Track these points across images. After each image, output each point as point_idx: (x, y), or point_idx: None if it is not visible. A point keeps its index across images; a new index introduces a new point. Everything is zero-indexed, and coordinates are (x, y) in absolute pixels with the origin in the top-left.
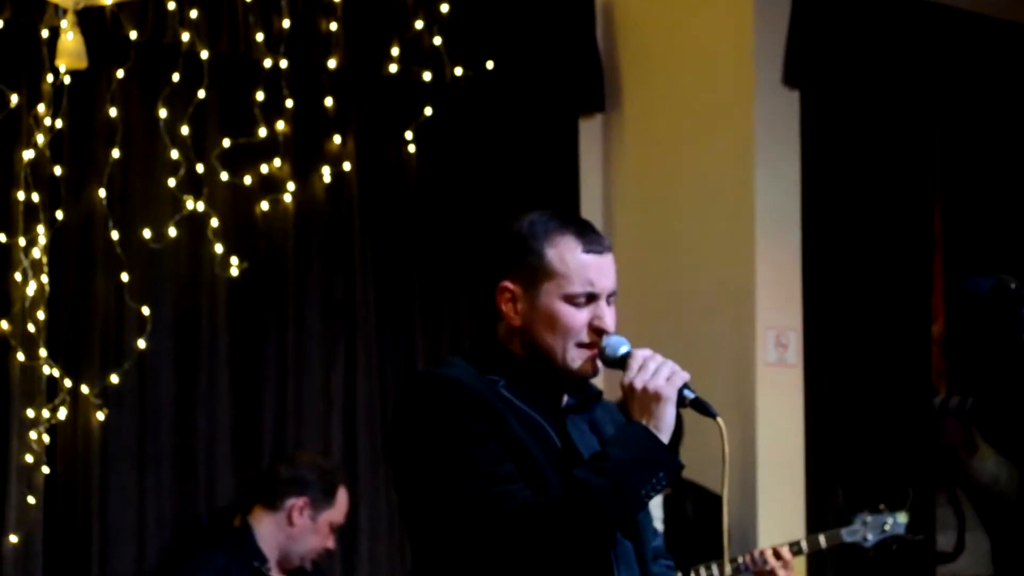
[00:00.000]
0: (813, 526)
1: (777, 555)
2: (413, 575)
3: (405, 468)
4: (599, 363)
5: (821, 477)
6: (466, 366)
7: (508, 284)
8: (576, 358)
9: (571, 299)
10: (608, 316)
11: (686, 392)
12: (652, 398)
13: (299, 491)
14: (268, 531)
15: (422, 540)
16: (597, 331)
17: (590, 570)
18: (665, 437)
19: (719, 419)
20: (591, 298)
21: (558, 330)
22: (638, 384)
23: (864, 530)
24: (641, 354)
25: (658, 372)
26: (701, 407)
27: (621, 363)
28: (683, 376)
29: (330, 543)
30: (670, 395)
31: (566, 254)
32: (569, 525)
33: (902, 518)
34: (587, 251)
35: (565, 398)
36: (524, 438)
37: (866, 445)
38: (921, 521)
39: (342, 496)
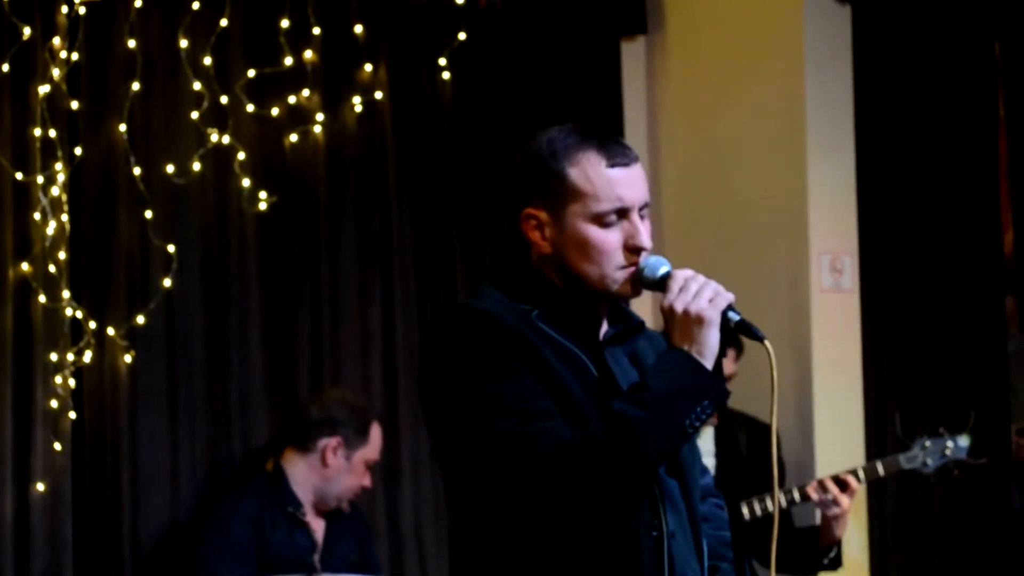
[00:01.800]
0: (872, 455)
1: (843, 484)
2: (449, 518)
3: (434, 407)
4: (639, 285)
5: (880, 405)
6: (498, 296)
7: (532, 210)
8: (616, 280)
9: (600, 219)
10: (643, 231)
11: (731, 314)
12: (694, 321)
13: (331, 431)
14: (302, 474)
15: (455, 483)
16: (634, 250)
17: (632, 511)
18: (709, 363)
19: (767, 342)
20: (622, 214)
21: (592, 255)
22: (679, 307)
23: (924, 455)
24: (682, 275)
25: (700, 293)
26: (747, 330)
27: (661, 285)
28: (727, 297)
29: (366, 481)
30: (713, 317)
31: (590, 171)
32: (607, 462)
33: (964, 441)
34: (612, 164)
35: (604, 328)
36: (560, 371)
37: (927, 369)
38: (993, 445)
39: (375, 432)
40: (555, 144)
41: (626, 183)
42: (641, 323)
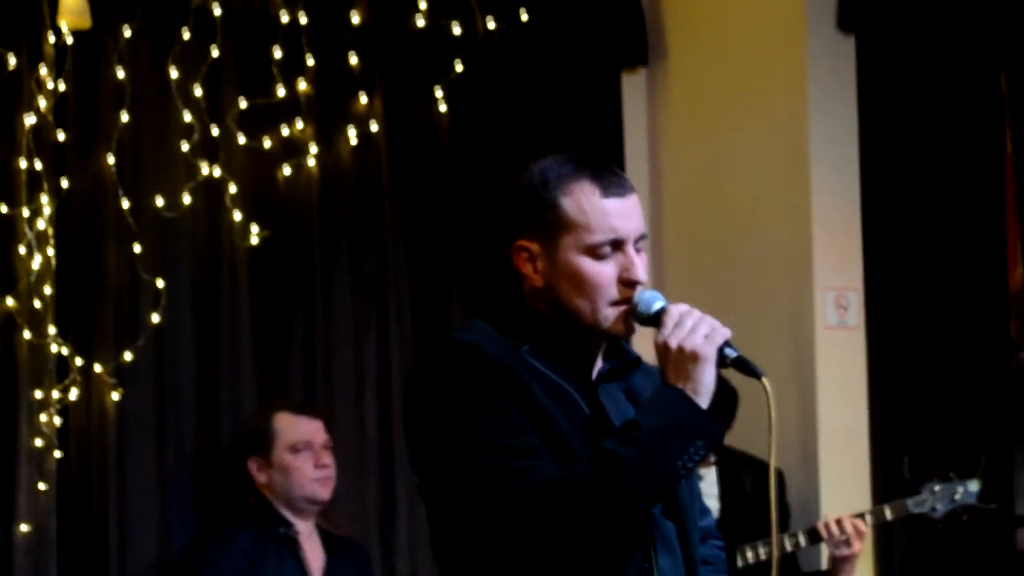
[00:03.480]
0: (878, 497)
1: (854, 526)
2: (435, 557)
3: (419, 442)
4: (633, 322)
5: (887, 445)
6: (487, 330)
7: (524, 243)
8: (608, 317)
9: (594, 251)
10: (638, 264)
11: (727, 351)
12: (689, 358)
13: (243, 455)
14: (271, 498)
15: (439, 521)
16: (628, 283)
17: (622, 553)
18: (704, 401)
19: (765, 380)
20: (616, 246)
21: (584, 289)
22: (673, 343)
23: (933, 500)
24: (677, 310)
25: (695, 329)
26: (744, 367)
27: (655, 320)
28: (724, 333)
29: (309, 466)
30: (709, 354)
31: (584, 201)
32: (596, 502)
33: (974, 486)
34: (607, 194)
35: (599, 364)
36: (548, 407)
37: (935, 410)
38: (997, 488)
39: (280, 421)
40: (548, 174)
41: (621, 214)
42: (637, 358)
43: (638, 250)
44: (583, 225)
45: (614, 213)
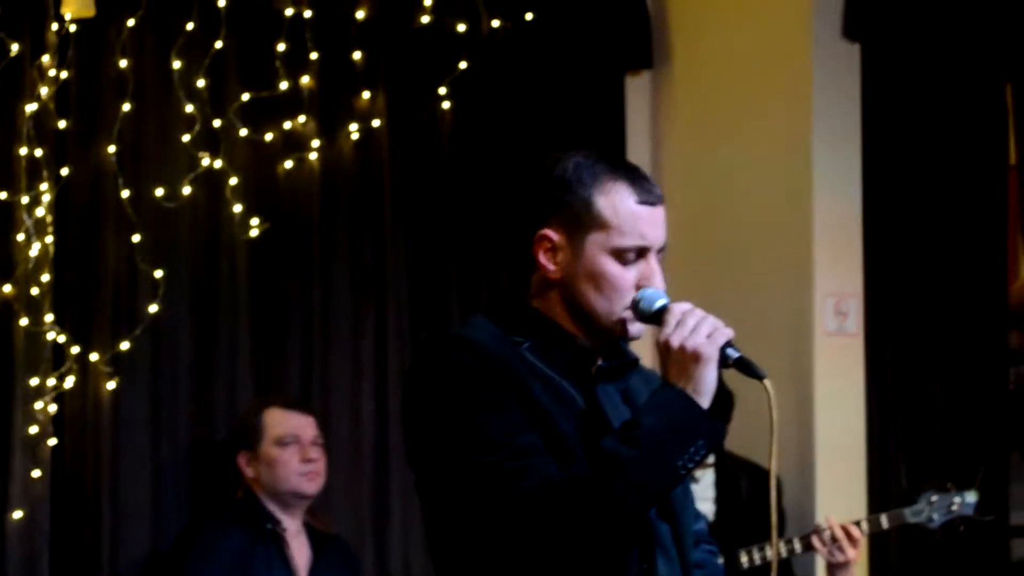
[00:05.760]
0: (875, 506)
1: (849, 535)
2: (431, 556)
3: (417, 438)
4: (635, 326)
5: (884, 454)
6: (488, 326)
7: (548, 232)
8: (624, 319)
9: (620, 253)
10: (658, 276)
11: (729, 351)
12: (690, 358)
13: (235, 449)
14: (259, 492)
15: (435, 518)
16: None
17: (621, 553)
18: (705, 402)
19: (766, 381)
20: (641, 253)
21: (604, 289)
22: (675, 342)
23: (930, 510)
24: (679, 308)
25: (697, 329)
26: (746, 368)
27: (657, 318)
28: (726, 333)
29: (295, 460)
30: (711, 354)
31: (618, 203)
32: (595, 502)
33: (971, 497)
34: (641, 201)
35: (598, 362)
36: (548, 406)
37: (933, 419)
38: (992, 499)
39: (270, 416)
40: (582, 169)
41: (651, 222)
42: (636, 359)
43: (658, 259)
44: (614, 226)
45: (645, 220)
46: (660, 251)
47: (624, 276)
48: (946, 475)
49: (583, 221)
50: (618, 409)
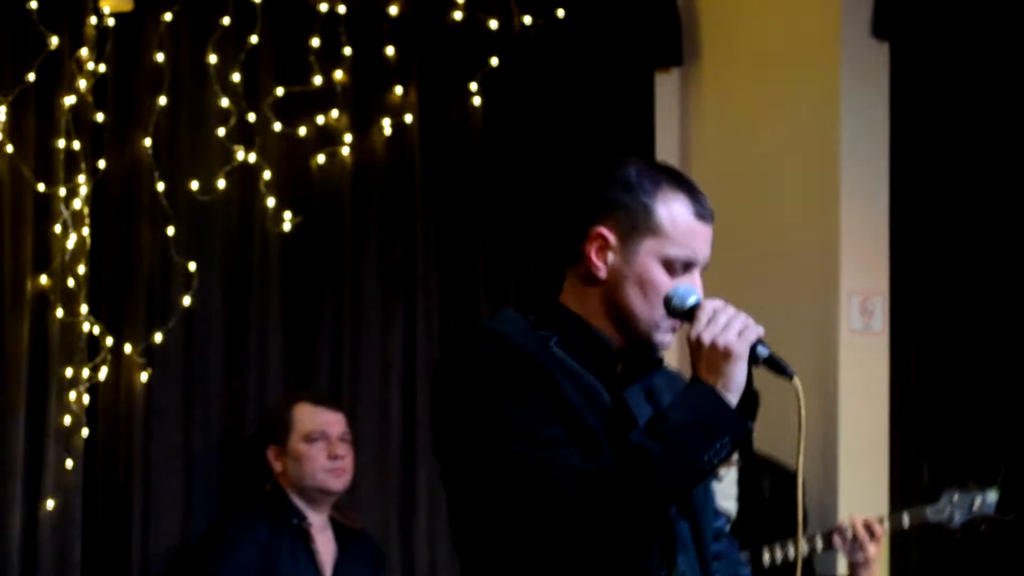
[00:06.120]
0: (897, 504)
1: (870, 531)
2: (454, 547)
3: (444, 428)
4: (666, 336)
5: (906, 452)
6: (517, 319)
7: (603, 230)
8: (661, 327)
9: (671, 263)
10: (700, 291)
11: (759, 349)
12: (721, 355)
13: (264, 443)
14: (286, 487)
15: (461, 508)
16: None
17: (644, 546)
18: (734, 398)
19: (796, 380)
20: (688, 266)
21: (649, 295)
22: (706, 338)
23: (951, 508)
24: (711, 305)
25: (729, 325)
26: (776, 366)
27: (689, 315)
28: (757, 331)
29: (322, 456)
30: (741, 351)
31: (677, 214)
32: (622, 494)
33: (992, 496)
34: (697, 217)
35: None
36: (575, 400)
37: (956, 418)
38: (1016, 499)
39: (299, 411)
40: (644, 176)
41: (703, 239)
42: (660, 360)
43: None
44: (670, 235)
45: (699, 235)
46: (703, 269)
47: (669, 285)
48: (968, 474)
49: (640, 225)
50: (641, 407)
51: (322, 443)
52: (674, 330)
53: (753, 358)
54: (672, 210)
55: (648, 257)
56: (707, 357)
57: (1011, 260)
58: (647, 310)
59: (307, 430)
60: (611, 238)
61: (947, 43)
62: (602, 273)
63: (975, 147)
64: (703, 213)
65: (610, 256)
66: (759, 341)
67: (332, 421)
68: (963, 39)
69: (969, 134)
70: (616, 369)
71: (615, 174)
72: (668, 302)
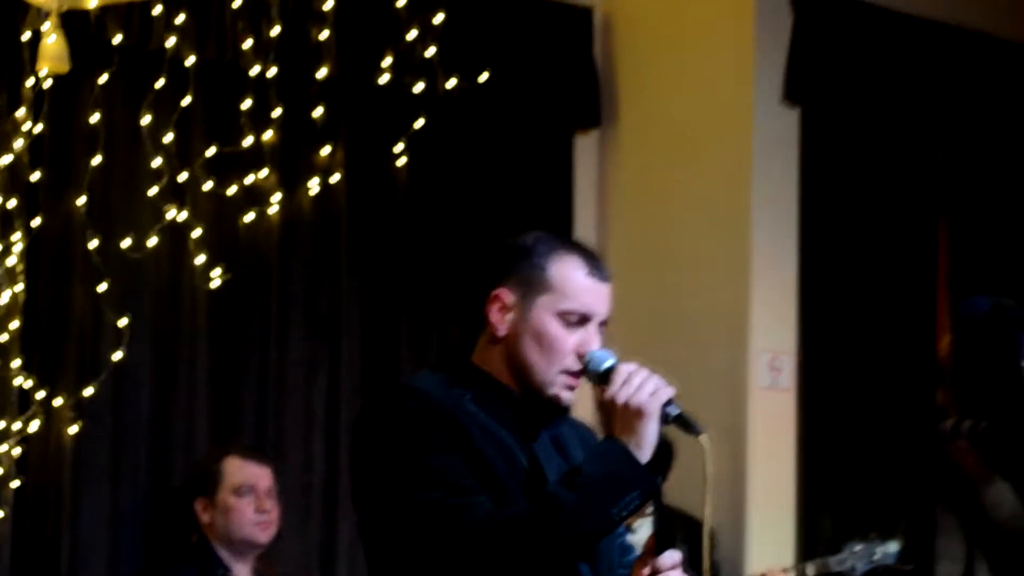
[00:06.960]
0: (803, 555)
1: None
2: None
3: (364, 477)
4: (566, 394)
5: (812, 505)
6: (432, 377)
7: (501, 292)
8: (555, 382)
9: (564, 316)
10: (595, 343)
11: (670, 408)
12: (634, 414)
13: (192, 495)
14: (212, 539)
15: (378, 557)
16: (582, 357)
17: None
18: (645, 455)
19: (703, 437)
20: (583, 320)
21: (544, 348)
22: (620, 398)
23: (853, 559)
24: (626, 368)
25: (642, 386)
26: (685, 424)
27: (605, 378)
28: (668, 391)
29: (249, 509)
30: (653, 410)
31: (568, 273)
32: (533, 540)
33: (893, 547)
34: (590, 275)
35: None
36: (488, 453)
37: (862, 472)
38: (919, 550)
39: (229, 464)
40: (541, 242)
41: (596, 295)
42: (566, 408)
43: (600, 332)
44: (562, 291)
45: (591, 291)
46: (602, 324)
47: (565, 338)
48: (871, 526)
49: (535, 285)
50: (551, 458)
51: (250, 496)
52: (571, 388)
53: (664, 417)
54: (565, 268)
55: (543, 311)
56: (621, 416)
57: (915, 320)
58: (543, 362)
59: (236, 483)
60: (509, 299)
61: (857, 107)
62: (502, 331)
63: (882, 209)
64: (596, 272)
65: (509, 316)
66: (670, 401)
67: (260, 475)
68: (871, 107)
69: (876, 196)
70: (524, 420)
71: (513, 243)
72: (585, 366)
